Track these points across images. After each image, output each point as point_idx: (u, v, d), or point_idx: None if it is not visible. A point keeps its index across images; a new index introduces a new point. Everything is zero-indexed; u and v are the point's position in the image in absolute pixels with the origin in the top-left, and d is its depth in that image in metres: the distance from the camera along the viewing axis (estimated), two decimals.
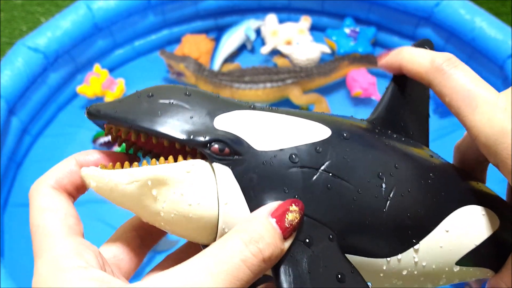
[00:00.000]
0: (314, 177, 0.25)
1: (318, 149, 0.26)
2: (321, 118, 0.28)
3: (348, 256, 0.26)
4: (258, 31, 1.34)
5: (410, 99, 0.33)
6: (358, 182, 0.26)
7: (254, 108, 0.27)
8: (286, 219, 0.23)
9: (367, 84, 1.19)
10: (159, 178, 0.24)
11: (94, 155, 0.27)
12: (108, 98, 1.18)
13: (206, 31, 1.34)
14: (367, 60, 1.24)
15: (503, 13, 1.43)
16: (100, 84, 1.17)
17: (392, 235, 0.27)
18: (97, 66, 1.20)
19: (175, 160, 0.25)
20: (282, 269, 0.23)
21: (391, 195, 0.27)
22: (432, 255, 0.28)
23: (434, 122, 1.22)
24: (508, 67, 1.08)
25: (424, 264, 0.28)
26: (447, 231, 0.28)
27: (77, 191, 0.27)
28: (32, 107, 1.13)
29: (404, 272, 0.28)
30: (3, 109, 1.01)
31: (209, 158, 0.25)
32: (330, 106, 1.18)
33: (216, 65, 1.26)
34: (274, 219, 0.23)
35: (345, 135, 0.27)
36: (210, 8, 1.31)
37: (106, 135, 0.27)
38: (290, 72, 1.17)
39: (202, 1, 1.29)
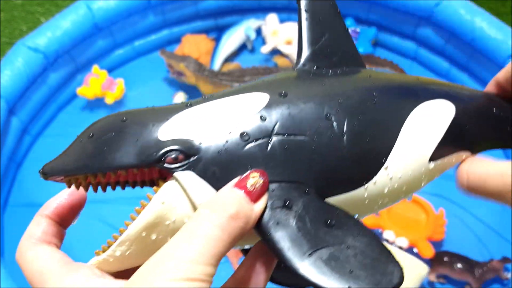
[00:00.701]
0: (270, 145, 0.26)
1: (263, 117, 0.27)
2: (255, 86, 0.29)
3: (329, 199, 0.27)
4: (258, 31, 1.34)
5: (323, 23, 0.33)
6: (311, 131, 0.27)
7: (191, 105, 0.28)
8: (247, 184, 0.24)
9: None
10: (148, 226, 0.25)
11: (52, 204, 0.28)
12: (109, 99, 1.18)
13: (206, 31, 1.34)
14: (368, 59, 1.24)
15: (503, 13, 1.43)
16: (99, 85, 1.17)
17: (360, 164, 0.28)
18: (95, 67, 1.20)
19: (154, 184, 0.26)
20: (273, 237, 0.24)
21: (344, 130, 0.28)
22: (403, 165, 0.29)
23: None
24: None
25: (399, 176, 0.29)
26: (409, 138, 0.29)
27: (60, 236, 0.28)
28: (32, 107, 1.13)
29: (386, 190, 0.29)
30: (3, 109, 1.01)
31: (169, 171, 0.25)
32: None
33: (216, 65, 1.26)
34: (236, 187, 0.24)
35: (282, 93, 0.28)
36: (210, 8, 1.31)
37: (69, 186, 0.27)
38: None
39: (202, 1, 1.29)
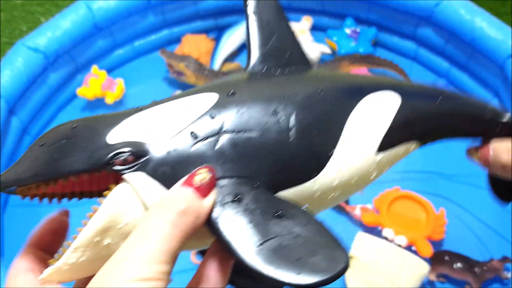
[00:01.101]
0: (218, 143, 0.27)
1: (211, 116, 0.28)
2: (205, 88, 0.30)
3: (279, 193, 0.28)
4: None
5: (270, 25, 0.34)
6: (258, 127, 0.28)
7: (141, 109, 0.28)
8: (194, 181, 0.25)
9: None
10: (100, 230, 0.25)
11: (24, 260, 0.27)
12: (109, 99, 1.18)
13: (206, 31, 1.34)
14: (368, 60, 1.24)
15: (503, 13, 1.43)
16: (99, 85, 1.17)
17: (307, 157, 0.29)
18: (95, 68, 1.20)
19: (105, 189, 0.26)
20: (223, 231, 0.25)
21: (291, 124, 0.28)
22: (350, 156, 0.30)
23: None
24: (508, 67, 1.08)
25: (347, 167, 0.30)
26: (354, 129, 0.30)
27: (44, 262, 0.28)
28: (32, 107, 1.13)
29: (336, 182, 0.29)
30: (3, 109, 1.01)
31: (120, 173, 0.26)
32: None
33: (217, 65, 1.26)
34: (185, 185, 0.25)
35: (231, 92, 0.29)
36: (210, 8, 1.31)
37: (23, 198, 0.27)
38: None
39: (202, 1, 1.29)
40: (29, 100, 1.12)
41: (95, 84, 1.17)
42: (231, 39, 1.29)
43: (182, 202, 0.24)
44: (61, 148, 0.26)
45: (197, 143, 0.27)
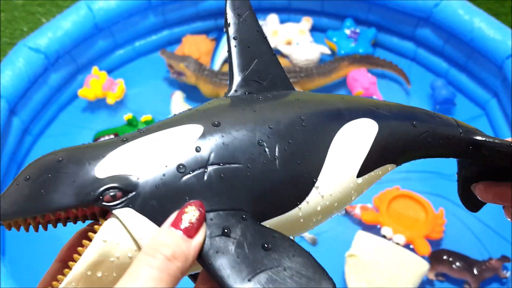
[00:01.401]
0: (205, 175, 0.27)
1: (198, 148, 0.28)
2: (189, 117, 0.30)
3: (265, 222, 0.28)
4: None
5: (252, 49, 0.35)
6: (244, 159, 0.28)
7: (127, 140, 0.28)
8: (183, 221, 0.25)
9: (368, 84, 1.19)
10: (91, 265, 0.26)
11: None
12: (110, 99, 1.19)
13: (206, 31, 1.35)
14: (367, 60, 1.24)
15: (502, 14, 1.44)
16: (100, 85, 1.18)
17: (292, 185, 0.29)
18: (95, 69, 1.20)
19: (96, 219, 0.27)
20: (213, 266, 0.25)
21: (276, 154, 0.29)
22: (333, 183, 0.31)
23: None
24: (507, 68, 1.08)
25: (330, 193, 0.31)
26: (336, 157, 0.31)
27: None
28: (33, 107, 1.13)
29: (319, 208, 0.30)
30: (4, 109, 1.02)
31: (109, 209, 0.26)
32: None
33: (217, 65, 1.27)
34: (172, 227, 0.25)
35: (215, 123, 0.29)
36: (211, 9, 1.31)
37: (9, 229, 0.27)
38: (290, 72, 1.18)
39: (202, 2, 1.29)
40: (30, 100, 1.12)
41: (96, 84, 1.18)
42: None
43: (169, 248, 0.24)
44: (47, 182, 0.26)
45: (185, 176, 0.27)
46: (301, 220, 0.30)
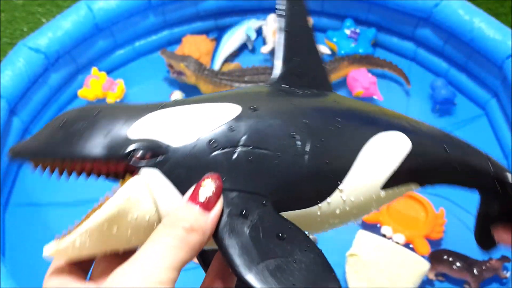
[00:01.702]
0: (235, 155, 0.28)
1: (232, 128, 0.28)
2: (228, 97, 0.30)
3: (284, 213, 0.28)
4: (259, 31, 1.34)
5: (299, 45, 0.35)
6: (275, 147, 0.28)
7: (164, 106, 0.28)
8: (200, 194, 0.26)
9: (368, 84, 1.19)
10: (111, 218, 0.26)
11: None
12: (110, 99, 1.19)
13: (206, 31, 1.35)
14: (367, 60, 1.24)
15: (501, 14, 1.44)
16: (100, 86, 1.18)
17: (317, 183, 0.29)
18: (94, 69, 1.20)
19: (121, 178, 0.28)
20: (225, 243, 0.25)
21: (306, 149, 0.29)
22: (357, 189, 0.31)
23: (434, 122, 1.22)
24: (507, 68, 1.08)
25: (352, 199, 0.31)
26: (364, 164, 0.31)
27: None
28: (33, 107, 1.13)
29: (338, 211, 0.30)
30: (4, 109, 1.02)
31: (136, 167, 0.26)
32: None
33: (217, 65, 1.27)
34: (190, 201, 0.26)
35: (253, 107, 0.29)
36: (211, 9, 1.31)
37: (35, 167, 0.27)
38: None
39: (203, 2, 1.29)
40: (30, 101, 1.12)
41: (96, 85, 1.18)
42: (232, 40, 1.30)
43: (188, 220, 0.25)
44: (81, 130, 0.26)
45: (215, 152, 0.27)
46: (318, 219, 0.30)
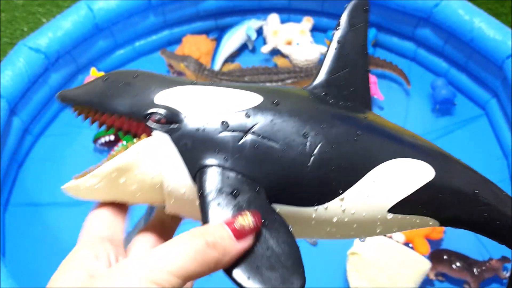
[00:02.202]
0: (243, 139, 0.29)
1: (247, 114, 0.30)
2: (258, 89, 0.32)
3: (278, 205, 0.29)
4: (260, 31, 1.34)
5: (348, 58, 0.35)
6: (284, 142, 0.29)
7: (195, 83, 0.31)
8: (236, 223, 0.26)
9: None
10: (120, 168, 0.29)
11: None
12: None
13: (206, 31, 1.35)
14: None
15: (502, 14, 1.44)
16: None
17: (317, 186, 0.30)
18: (93, 70, 1.20)
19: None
20: (208, 214, 0.27)
21: (315, 151, 0.30)
22: (359, 204, 0.31)
23: (434, 122, 1.23)
24: (507, 67, 1.08)
25: (352, 212, 0.31)
26: (373, 182, 0.31)
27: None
28: (33, 107, 1.13)
29: (334, 220, 0.30)
30: (4, 109, 1.02)
31: (150, 128, 0.29)
32: None
33: (217, 65, 1.27)
34: (225, 224, 0.26)
35: (275, 101, 0.31)
36: (211, 9, 1.31)
37: (75, 112, 0.31)
38: (290, 72, 1.18)
39: (203, 2, 1.29)
40: (30, 100, 1.12)
41: None
42: (232, 40, 1.30)
43: (213, 235, 0.25)
44: (116, 88, 0.30)
45: (224, 132, 0.29)
46: (313, 223, 0.30)
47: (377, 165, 0.31)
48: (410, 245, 0.96)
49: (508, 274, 0.95)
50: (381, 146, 0.32)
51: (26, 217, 1.07)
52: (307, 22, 1.32)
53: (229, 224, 0.26)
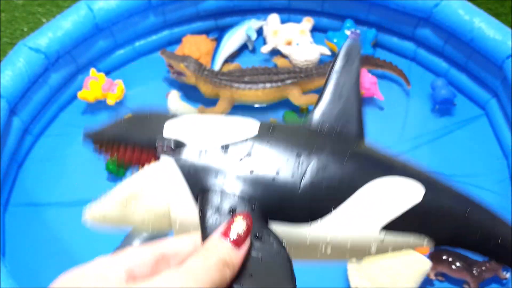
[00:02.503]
0: (240, 161, 0.32)
1: (245, 140, 0.33)
2: (255, 119, 0.36)
3: (273, 222, 0.32)
4: (260, 31, 1.34)
5: (342, 93, 0.39)
6: (277, 165, 0.32)
7: (202, 112, 0.36)
8: (232, 231, 0.28)
9: (369, 84, 1.19)
10: (130, 193, 0.32)
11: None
12: (110, 100, 1.19)
13: (206, 31, 1.35)
14: (366, 61, 1.24)
15: (502, 14, 1.44)
16: (100, 87, 1.18)
17: (309, 204, 0.32)
18: (93, 70, 1.20)
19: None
20: (205, 225, 0.30)
21: (306, 173, 0.32)
22: (350, 221, 0.32)
23: (434, 122, 1.23)
24: (507, 68, 1.08)
25: (343, 229, 0.32)
26: (363, 199, 0.33)
27: None
28: (33, 107, 1.13)
29: (329, 238, 0.32)
30: (4, 109, 1.02)
31: (158, 154, 0.33)
32: None
33: (217, 65, 1.27)
34: (223, 236, 0.28)
35: (271, 130, 0.34)
36: (211, 9, 1.31)
37: (99, 149, 0.37)
38: (290, 73, 1.18)
39: (203, 2, 1.29)
40: (30, 100, 1.12)
41: (96, 86, 1.18)
42: (232, 40, 1.30)
43: (224, 253, 0.26)
44: (132, 125, 0.36)
45: (223, 155, 0.32)
46: (307, 243, 0.32)
47: (367, 183, 0.33)
48: None
49: (507, 275, 0.95)
50: (371, 166, 0.35)
51: (26, 217, 1.07)
52: (307, 22, 1.32)
53: (226, 235, 0.27)
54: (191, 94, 1.24)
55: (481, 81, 1.20)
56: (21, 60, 1.07)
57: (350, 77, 0.39)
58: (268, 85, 1.16)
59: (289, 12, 1.36)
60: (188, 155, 0.32)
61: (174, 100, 1.18)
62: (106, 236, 1.06)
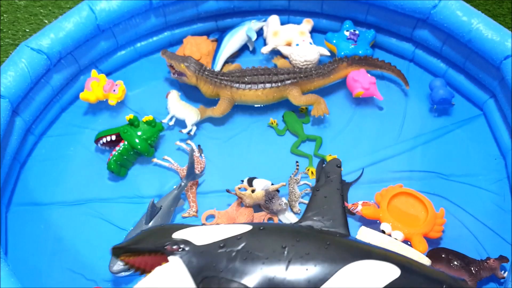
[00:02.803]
0: (233, 254, 0.46)
1: (239, 237, 0.48)
2: (250, 223, 0.51)
3: None
4: (260, 32, 1.35)
5: (327, 200, 0.52)
6: (266, 253, 0.44)
7: (204, 224, 0.44)
8: None
9: (368, 84, 1.20)
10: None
11: None
12: (111, 100, 1.20)
13: (207, 32, 1.36)
14: (365, 62, 1.25)
15: (500, 15, 1.45)
16: (101, 88, 1.19)
17: (296, 284, 0.44)
18: (94, 71, 1.21)
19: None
20: None
21: (291, 258, 0.44)
22: None
23: (432, 122, 1.23)
24: (505, 68, 1.09)
25: None
26: (343, 280, 0.43)
27: None
28: (35, 108, 1.14)
29: None
30: (7, 109, 1.03)
31: (167, 254, 0.45)
32: (329, 107, 1.20)
33: (218, 66, 1.27)
34: None
35: (261, 228, 0.47)
36: (211, 10, 1.32)
37: (125, 263, 0.54)
38: (290, 73, 1.18)
39: (203, 3, 1.30)
40: (32, 101, 1.13)
41: (97, 87, 1.19)
42: (232, 41, 1.30)
43: None
44: (146, 236, 0.51)
45: (221, 250, 0.44)
46: None
47: (346, 265, 0.43)
48: (409, 242, 0.97)
49: (505, 274, 0.96)
50: (349, 251, 0.46)
51: (28, 216, 1.08)
52: (307, 23, 1.33)
53: None
54: (191, 94, 1.25)
55: (479, 82, 1.21)
56: (23, 61, 1.08)
57: (332, 187, 0.53)
58: (268, 85, 1.17)
59: (289, 13, 1.37)
60: (192, 252, 0.43)
61: (174, 100, 1.19)
62: (107, 236, 1.07)
